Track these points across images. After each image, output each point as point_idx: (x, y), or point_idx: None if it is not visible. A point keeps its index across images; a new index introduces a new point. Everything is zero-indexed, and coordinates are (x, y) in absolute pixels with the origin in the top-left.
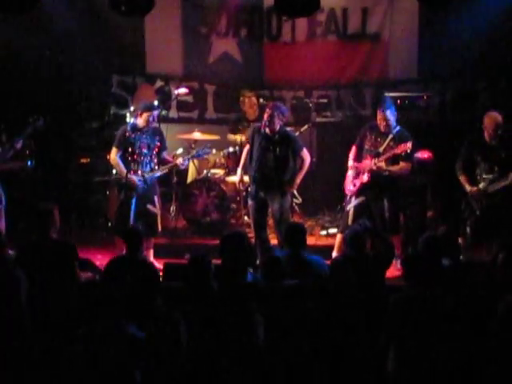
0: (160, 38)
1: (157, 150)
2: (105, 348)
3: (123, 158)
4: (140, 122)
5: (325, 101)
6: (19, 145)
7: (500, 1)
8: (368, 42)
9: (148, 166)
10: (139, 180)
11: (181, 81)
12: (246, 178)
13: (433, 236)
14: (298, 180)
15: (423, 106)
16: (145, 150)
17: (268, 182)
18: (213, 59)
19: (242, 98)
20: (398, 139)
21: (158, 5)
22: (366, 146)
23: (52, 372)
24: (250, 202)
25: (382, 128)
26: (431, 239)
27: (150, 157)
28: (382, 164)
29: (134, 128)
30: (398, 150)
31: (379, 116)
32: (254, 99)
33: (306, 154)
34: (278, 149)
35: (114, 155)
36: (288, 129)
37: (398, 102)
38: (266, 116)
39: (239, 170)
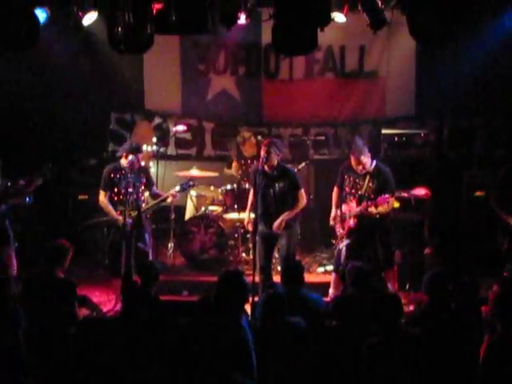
0: (158, 76)
1: (142, 187)
2: None
3: (110, 199)
4: (124, 162)
5: (322, 138)
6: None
7: (496, 39)
8: (365, 79)
9: (134, 204)
10: (127, 220)
11: (179, 118)
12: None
13: (439, 273)
14: (285, 217)
15: (420, 142)
16: (130, 189)
17: (271, 218)
18: (211, 96)
19: (239, 139)
20: (377, 178)
21: (157, 43)
22: (347, 189)
23: None
24: (257, 238)
25: (358, 171)
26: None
27: (137, 195)
28: (373, 209)
29: (119, 168)
30: (378, 203)
31: (354, 162)
32: (252, 139)
33: (302, 195)
34: (276, 184)
35: (102, 197)
36: (287, 165)
37: (396, 138)
38: (262, 153)
39: (247, 212)
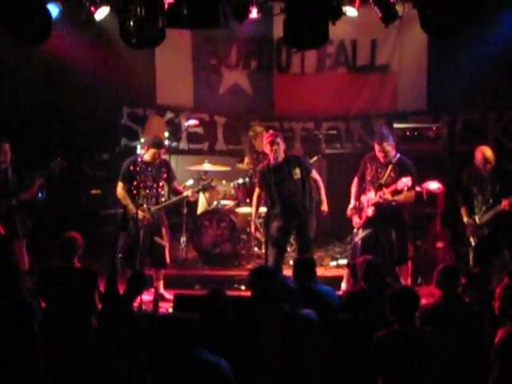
0: (170, 70)
1: (163, 181)
2: None
3: (128, 192)
4: (146, 156)
5: (334, 132)
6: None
7: (509, 31)
8: (377, 73)
9: (153, 198)
10: (145, 213)
11: (191, 112)
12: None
13: (450, 267)
14: (325, 197)
15: (432, 137)
16: (149, 183)
17: (292, 209)
18: (223, 91)
19: (251, 133)
20: (399, 169)
21: (169, 37)
22: (368, 178)
23: None
24: (268, 234)
25: (381, 159)
26: (448, 270)
27: (156, 189)
28: (388, 196)
29: (139, 162)
30: (398, 187)
31: (377, 148)
32: (264, 134)
33: (315, 174)
34: (293, 174)
35: (120, 189)
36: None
37: (408, 133)
38: (270, 149)
39: (254, 218)
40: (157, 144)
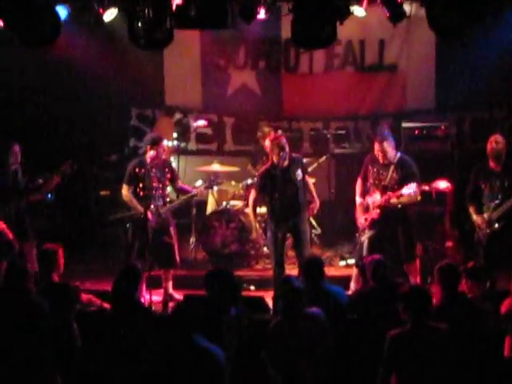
0: (179, 71)
1: (168, 182)
2: None
3: (135, 194)
4: (148, 156)
5: (343, 132)
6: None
7: None
8: (385, 73)
9: (160, 199)
10: (153, 215)
11: (199, 113)
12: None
13: (449, 265)
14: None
15: (441, 136)
16: (155, 184)
17: (293, 208)
18: (231, 91)
19: (260, 134)
20: (401, 168)
21: (177, 38)
22: (370, 180)
23: None
24: (272, 235)
25: (380, 159)
26: (448, 268)
27: (162, 190)
28: (395, 200)
29: (143, 163)
30: (404, 193)
31: (376, 147)
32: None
33: (309, 179)
34: (296, 174)
35: (125, 191)
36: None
37: (416, 132)
38: (277, 151)
39: (255, 224)
40: (153, 141)
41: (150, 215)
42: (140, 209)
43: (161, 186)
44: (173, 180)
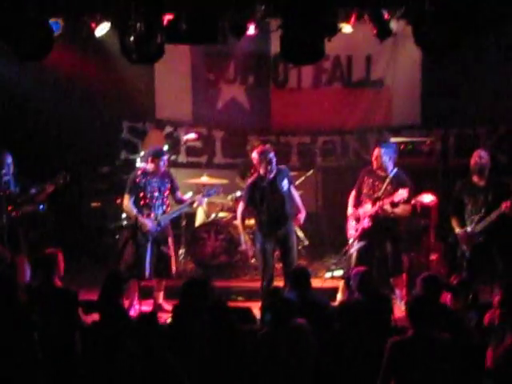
0: (169, 85)
1: (168, 192)
2: None
3: (136, 203)
4: (150, 167)
5: (330, 146)
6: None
7: (499, 49)
8: (372, 88)
9: (160, 208)
10: (152, 223)
11: (190, 126)
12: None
13: (432, 276)
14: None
15: (426, 150)
16: (156, 194)
17: (280, 219)
18: (221, 105)
19: (248, 147)
20: (396, 182)
21: (168, 52)
22: (365, 191)
23: None
24: (260, 247)
25: (375, 165)
26: (430, 279)
27: (162, 199)
28: (388, 207)
29: (144, 173)
30: (395, 199)
31: (375, 153)
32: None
33: (294, 189)
34: (283, 184)
35: (126, 202)
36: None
37: (402, 146)
38: (264, 165)
39: (244, 235)
40: (157, 153)
41: (149, 224)
42: (140, 218)
43: (161, 196)
44: (173, 191)
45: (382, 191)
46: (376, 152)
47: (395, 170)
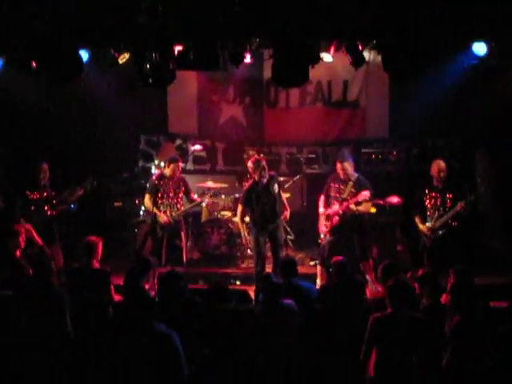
0: (180, 105)
1: (181, 194)
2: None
3: (154, 201)
4: (167, 171)
5: (313, 156)
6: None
7: (456, 73)
8: (348, 108)
9: (175, 206)
10: (168, 218)
11: (196, 139)
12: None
13: (390, 263)
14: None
15: (393, 159)
16: (171, 194)
17: (271, 216)
18: (222, 122)
19: (245, 156)
20: (358, 185)
21: (178, 77)
22: (332, 194)
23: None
24: (254, 240)
25: (341, 176)
26: (389, 265)
27: (176, 199)
28: (353, 206)
29: (162, 176)
30: (359, 198)
31: (338, 166)
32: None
33: (281, 191)
34: (274, 188)
35: (147, 200)
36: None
37: (373, 156)
38: (259, 173)
39: (244, 232)
40: (174, 159)
41: (166, 218)
42: (159, 214)
43: (175, 196)
44: (187, 193)
45: (346, 193)
46: (339, 166)
47: (356, 174)
